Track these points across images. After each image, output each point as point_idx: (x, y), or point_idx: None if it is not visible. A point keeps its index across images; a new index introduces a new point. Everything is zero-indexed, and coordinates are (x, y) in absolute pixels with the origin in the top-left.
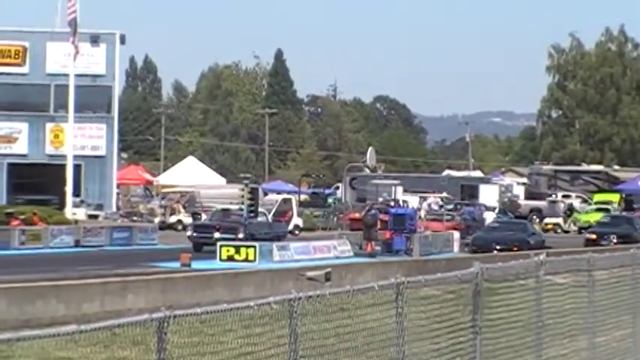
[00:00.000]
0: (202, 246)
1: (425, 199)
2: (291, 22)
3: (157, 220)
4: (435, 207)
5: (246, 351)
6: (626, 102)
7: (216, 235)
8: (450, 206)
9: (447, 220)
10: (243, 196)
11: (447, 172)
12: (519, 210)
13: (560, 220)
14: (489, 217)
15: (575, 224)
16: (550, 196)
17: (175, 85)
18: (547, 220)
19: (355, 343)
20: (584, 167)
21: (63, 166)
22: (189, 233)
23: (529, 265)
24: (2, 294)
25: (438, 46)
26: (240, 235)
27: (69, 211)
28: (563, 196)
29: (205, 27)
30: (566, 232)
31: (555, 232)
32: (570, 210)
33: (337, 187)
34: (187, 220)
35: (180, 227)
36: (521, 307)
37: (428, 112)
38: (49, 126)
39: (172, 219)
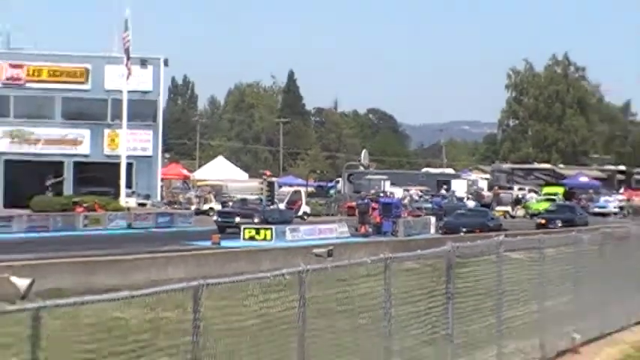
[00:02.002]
0: (225, 229)
1: (408, 190)
2: (301, 50)
3: (193, 207)
4: (416, 197)
5: (264, 312)
6: (569, 114)
7: (237, 219)
8: (428, 197)
9: (412, 210)
10: (262, 189)
11: (425, 169)
12: (484, 199)
13: (508, 208)
14: (471, 204)
15: (527, 211)
16: (505, 188)
17: (211, 99)
18: (498, 207)
19: (352, 306)
20: (536, 165)
21: (118, 164)
22: (214, 218)
23: (491, 243)
24: (70, 267)
25: (420, 69)
26: (256, 220)
27: (123, 200)
28: (519, 189)
29: (232, 53)
30: (513, 217)
31: (505, 217)
32: (518, 200)
33: (337, 181)
34: (218, 207)
35: (211, 213)
36: (485, 278)
37: (411, 121)
38: (106, 132)
39: (205, 206)
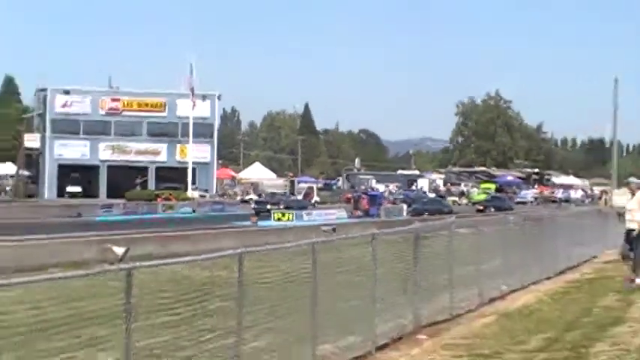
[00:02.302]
0: (260, 212)
1: (387, 186)
2: (313, 88)
3: (238, 198)
4: (393, 191)
5: (288, 271)
6: (500, 133)
7: (268, 206)
8: (401, 191)
9: (391, 199)
10: (286, 185)
11: (399, 171)
12: (440, 192)
13: (457, 198)
14: (431, 195)
15: (470, 201)
16: (453, 185)
17: (250, 122)
18: (449, 198)
19: (348, 267)
20: (476, 169)
21: (186, 168)
22: (252, 206)
23: (445, 223)
24: (152, 239)
25: (396, 102)
26: (282, 206)
27: (189, 193)
28: (464, 185)
29: (267, 88)
30: (460, 204)
31: (454, 204)
32: (463, 192)
33: (338, 180)
34: (255, 197)
35: (250, 202)
36: (441, 247)
37: (390, 137)
38: (178, 146)
39: (246, 197)
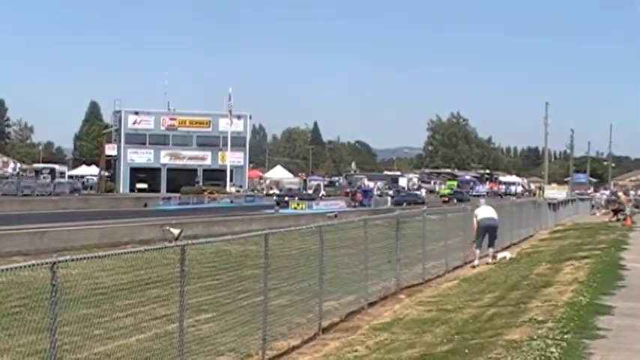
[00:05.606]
0: (280, 203)
1: (376, 183)
2: (322, 109)
3: (264, 192)
4: (380, 187)
5: (301, 247)
6: (460, 144)
7: (286, 198)
8: (387, 187)
9: (379, 193)
10: (300, 182)
11: (385, 172)
12: (415, 188)
13: (425, 193)
14: (410, 190)
15: (438, 194)
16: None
17: (273, 136)
18: (422, 192)
19: (347, 243)
20: (442, 170)
21: (225, 170)
22: (275, 198)
23: (419, 211)
24: (200, 223)
25: (384, 117)
26: (296, 199)
27: (228, 188)
28: (433, 183)
29: (285, 109)
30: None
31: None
32: (419, 188)
33: (339, 178)
34: (276, 192)
35: (273, 195)
36: (416, 229)
37: (378, 146)
38: (219, 153)
39: (271, 192)
